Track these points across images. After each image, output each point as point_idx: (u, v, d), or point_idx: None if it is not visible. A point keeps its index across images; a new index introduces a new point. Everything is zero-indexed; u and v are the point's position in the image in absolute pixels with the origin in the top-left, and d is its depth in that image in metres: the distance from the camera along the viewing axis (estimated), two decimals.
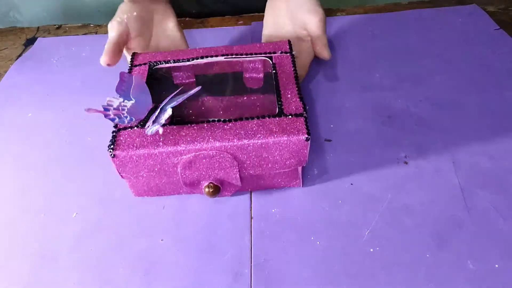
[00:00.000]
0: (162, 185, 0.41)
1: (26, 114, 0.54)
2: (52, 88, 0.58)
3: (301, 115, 0.37)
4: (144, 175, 0.37)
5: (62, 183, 0.45)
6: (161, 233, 0.39)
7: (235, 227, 0.39)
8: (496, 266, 0.34)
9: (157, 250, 0.38)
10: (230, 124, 0.37)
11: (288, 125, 0.36)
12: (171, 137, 0.36)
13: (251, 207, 0.40)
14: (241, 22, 0.69)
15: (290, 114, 0.37)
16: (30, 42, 0.70)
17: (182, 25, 0.70)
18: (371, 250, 0.36)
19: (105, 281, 0.36)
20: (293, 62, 0.43)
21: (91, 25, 0.72)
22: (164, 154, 0.36)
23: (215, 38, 0.65)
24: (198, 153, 0.36)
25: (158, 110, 0.37)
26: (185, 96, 0.38)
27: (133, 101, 0.37)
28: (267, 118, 0.37)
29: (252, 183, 0.41)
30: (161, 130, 0.35)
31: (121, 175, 0.38)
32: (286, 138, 0.35)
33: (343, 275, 0.35)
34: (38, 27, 0.74)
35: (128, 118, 0.36)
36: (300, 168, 0.40)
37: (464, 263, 0.34)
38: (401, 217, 0.38)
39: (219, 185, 0.38)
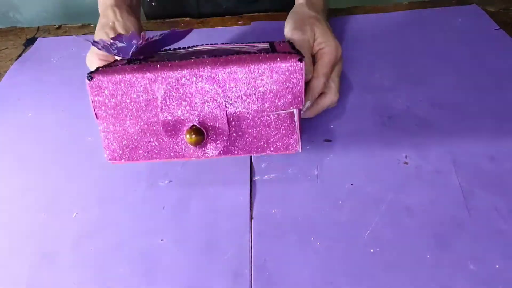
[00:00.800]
0: (139, 137, 0.36)
1: (26, 114, 0.54)
2: (52, 88, 0.58)
3: (295, 53, 0.34)
4: (121, 113, 0.34)
5: (62, 183, 0.45)
6: (161, 233, 0.39)
7: (235, 227, 0.39)
8: (497, 266, 0.34)
9: (157, 250, 0.38)
10: (219, 58, 0.34)
11: (279, 55, 0.34)
12: (154, 66, 0.34)
13: (251, 207, 0.40)
14: (241, 22, 0.69)
15: (284, 52, 0.35)
16: (30, 42, 0.70)
17: (182, 25, 0.70)
18: (372, 250, 0.36)
19: (105, 281, 0.36)
20: (292, 45, 0.42)
21: (91, 25, 0.72)
22: (144, 79, 0.33)
23: (215, 38, 0.65)
24: (180, 75, 0.33)
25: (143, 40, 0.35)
26: (167, 32, 0.36)
27: (124, 44, 0.37)
28: (257, 54, 0.34)
29: (241, 141, 0.36)
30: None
31: (96, 113, 0.35)
32: (278, 64, 0.32)
33: (343, 275, 0.34)
34: (38, 27, 0.74)
35: (116, 51, 0.35)
36: (297, 116, 0.36)
37: (464, 264, 0.34)
38: (402, 218, 0.38)
39: (203, 130, 0.35)
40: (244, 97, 0.34)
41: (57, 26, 0.74)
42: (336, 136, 0.46)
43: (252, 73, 0.33)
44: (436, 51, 0.57)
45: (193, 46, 0.45)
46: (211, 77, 0.33)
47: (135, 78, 0.33)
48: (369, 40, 0.61)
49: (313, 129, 0.47)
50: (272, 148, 0.37)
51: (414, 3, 0.69)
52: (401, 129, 0.46)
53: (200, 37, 0.65)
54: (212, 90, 0.33)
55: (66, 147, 0.49)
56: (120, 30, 0.47)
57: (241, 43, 0.44)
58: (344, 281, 0.34)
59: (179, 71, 0.33)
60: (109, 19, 0.48)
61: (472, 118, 0.47)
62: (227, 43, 0.45)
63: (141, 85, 0.33)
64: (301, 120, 0.41)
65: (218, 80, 0.33)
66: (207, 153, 0.36)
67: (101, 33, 0.47)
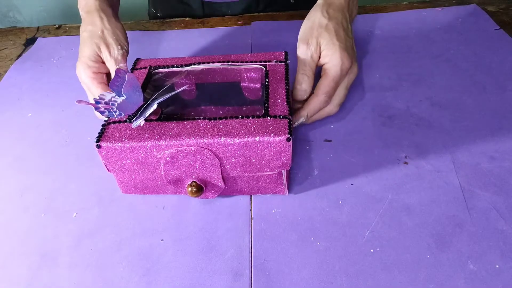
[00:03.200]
0: (147, 181, 0.41)
1: (26, 114, 0.54)
2: (52, 88, 0.58)
3: (285, 117, 0.37)
4: (129, 169, 0.38)
5: (62, 183, 0.45)
6: (161, 233, 0.39)
7: (235, 227, 0.39)
8: (497, 266, 0.34)
9: (157, 250, 0.38)
10: (213, 122, 0.37)
11: (271, 125, 0.36)
12: (154, 132, 0.37)
13: (251, 208, 0.40)
14: (241, 22, 0.69)
15: (275, 116, 0.37)
16: (30, 42, 0.70)
17: (183, 25, 0.70)
18: (372, 250, 0.36)
19: (105, 281, 0.36)
20: (286, 70, 0.43)
21: None
22: (146, 147, 0.36)
23: (215, 38, 0.65)
24: (180, 148, 0.36)
25: (145, 105, 0.38)
26: (172, 93, 0.39)
27: (124, 97, 0.38)
28: (251, 119, 0.37)
29: (236, 187, 0.40)
30: (142, 123, 0.37)
31: (107, 168, 0.38)
32: (268, 138, 0.35)
33: (343, 275, 0.34)
34: (38, 27, 0.74)
35: (118, 113, 0.37)
36: (285, 173, 0.39)
37: (464, 264, 0.34)
38: (402, 218, 0.38)
39: (202, 185, 0.38)
40: (238, 164, 0.37)
41: (57, 26, 0.74)
42: (336, 136, 0.46)
43: (244, 146, 0.36)
44: (436, 51, 0.57)
45: (185, 65, 0.46)
46: (207, 148, 0.36)
47: (137, 146, 0.36)
48: (369, 40, 0.61)
49: (313, 129, 0.47)
50: (262, 191, 0.41)
51: (414, 3, 0.69)
52: (401, 129, 0.46)
53: (200, 37, 0.65)
54: (208, 158, 0.36)
55: (66, 147, 0.49)
56: (110, 39, 0.46)
57: (237, 62, 0.45)
58: (344, 281, 0.34)
59: (178, 141, 0.36)
60: (97, 27, 0.47)
61: (472, 118, 0.47)
62: (221, 59, 0.46)
63: (144, 152, 0.37)
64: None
65: (214, 150, 0.36)
66: (206, 197, 0.40)
67: (90, 43, 0.46)
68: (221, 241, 0.38)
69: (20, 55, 0.67)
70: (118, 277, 0.36)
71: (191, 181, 0.38)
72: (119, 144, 0.36)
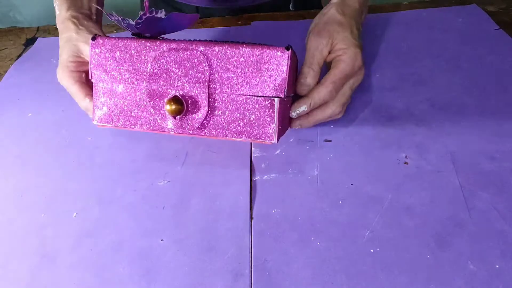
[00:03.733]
0: (127, 102, 0.39)
1: (26, 114, 0.54)
2: (52, 88, 0.58)
3: (286, 48, 0.36)
4: (113, 77, 0.38)
5: (62, 183, 0.45)
6: (161, 233, 0.39)
7: (235, 227, 0.39)
8: (497, 266, 0.34)
9: (157, 250, 0.38)
10: (215, 42, 0.37)
11: (270, 46, 0.36)
12: (152, 40, 0.37)
13: (251, 208, 0.40)
14: (241, 22, 0.69)
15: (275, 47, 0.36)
16: (30, 42, 0.70)
17: None
18: (372, 250, 0.36)
19: (105, 281, 0.36)
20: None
21: None
22: (139, 44, 0.37)
23: (215, 38, 0.65)
24: (172, 45, 0.36)
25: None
26: (178, 14, 0.38)
27: (133, 23, 0.37)
28: (251, 44, 0.36)
29: (219, 121, 0.38)
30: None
31: (91, 74, 0.39)
32: (267, 50, 0.35)
33: (343, 275, 0.34)
34: (38, 27, 0.74)
35: (126, 25, 0.37)
36: (277, 111, 0.36)
37: (464, 264, 0.34)
38: (402, 218, 0.38)
39: (183, 101, 0.36)
40: (230, 80, 0.36)
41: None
42: (336, 136, 0.46)
43: (243, 55, 0.35)
44: (436, 51, 0.57)
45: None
46: (203, 53, 0.35)
47: (132, 42, 0.37)
48: (369, 40, 0.61)
49: (313, 129, 0.47)
50: (248, 134, 0.38)
51: (414, 3, 0.69)
52: (401, 129, 0.46)
53: (200, 37, 0.65)
54: (200, 65, 0.35)
55: (66, 147, 0.49)
56: (86, 35, 0.44)
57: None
58: (344, 281, 0.34)
59: (173, 44, 0.36)
60: (72, 30, 0.45)
61: (472, 118, 0.47)
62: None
63: (135, 50, 0.37)
64: (287, 116, 0.42)
65: (209, 57, 0.35)
66: (184, 127, 0.38)
67: (68, 46, 0.45)
68: (221, 241, 0.38)
69: (20, 55, 0.67)
70: (118, 277, 0.36)
71: (173, 95, 0.36)
72: (112, 40, 0.37)
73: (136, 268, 0.37)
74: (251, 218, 0.40)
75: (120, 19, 0.37)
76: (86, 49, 0.43)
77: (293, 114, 0.42)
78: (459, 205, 0.38)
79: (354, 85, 0.44)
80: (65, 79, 0.44)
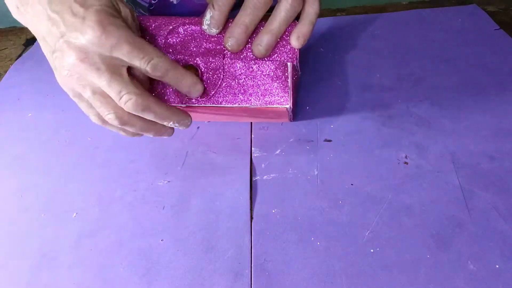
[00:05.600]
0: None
1: (26, 114, 0.54)
2: (52, 88, 0.58)
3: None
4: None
5: (62, 183, 0.45)
6: (161, 233, 0.39)
7: (235, 227, 0.39)
8: (497, 266, 0.34)
9: (157, 250, 0.38)
10: None
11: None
12: (166, 17, 0.38)
13: (251, 208, 0.40)
14: None
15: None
16: (30, 42, 0.70)
17: None
18: (372, 250, 0.36)
19: (105, 281, 0.36)
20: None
21: None
22: (157, 21, 0.37)
23: None
24: (185, 20, 0.37)
25: None
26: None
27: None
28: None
29: (234, 87, 0.38)
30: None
31: None
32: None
33: (343, 275, 0.34)
34: None
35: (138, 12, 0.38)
36: (289, 72, 0.37)
37: (464, 264, 0.34)
38: (402, 218, 0.38)
39: (198, 69, 0.37)
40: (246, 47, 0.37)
41: None
42: (336, 136, 0.46)
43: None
44: (436, 51, 0.57)
45: None
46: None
47: (149, 18, 0.37)
48: (369, 40, 0.61)
49: (313, 129, 0.47)
50: (263, 100, 0.38)
51: (414, 3, 0.69)
52: (401, 129, 0.46)
53: None
54: (214, 36, 0.36)
55: (66, 147, 0.49)
56: None
57: None
58: (344, 281, 0.34)
59: (187, 19, 0.37)
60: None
61: (472, 118, 0.47)
62: None
63: (154, 25, 0.37)
64: (297, 96, 0.42)
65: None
66: (200, 96, 0.38)
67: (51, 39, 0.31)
68: (221, 241, 0.38)
69: (20, 55, 0.67)
70: (118, 277, 0.36)
71: (187, 63, 0.37)
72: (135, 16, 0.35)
73: (136, 268, 0.37)
74: (251, 218, 0.40)
75: (131, 4, 0.38)
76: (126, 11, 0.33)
77: (204, 26, 0.36)
78: (459, 205, 0.38)
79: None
80: (124, 29, 0.30)
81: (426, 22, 0.63)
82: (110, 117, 0.33)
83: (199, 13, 0.42)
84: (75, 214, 0.42)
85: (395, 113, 0.48)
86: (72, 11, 0.29)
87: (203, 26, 0.36)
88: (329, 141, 0.46)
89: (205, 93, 0.38)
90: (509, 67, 0.53)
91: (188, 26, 0.37)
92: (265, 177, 0.43)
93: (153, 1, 0.37)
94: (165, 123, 0.35)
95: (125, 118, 0.33)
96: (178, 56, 0.38)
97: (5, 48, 0.69)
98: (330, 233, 0.37)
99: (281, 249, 0.37)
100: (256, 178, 0.43)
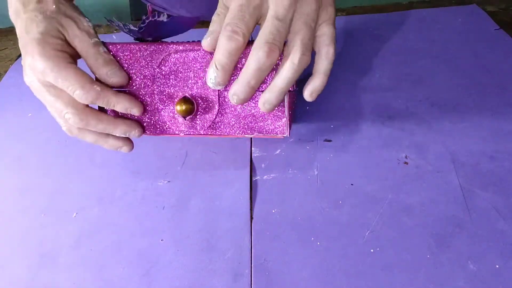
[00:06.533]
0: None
1: (26, 114, 0.54)
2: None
3: None
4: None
5: (62, 183, 0.45)
6: (161, 233, 0.39)
7: (235, 227, 0.39)
8: (497, 266, 0.34)
9: (157, 250, 0.38)
10: None
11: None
12: (157, 43, 0.37)
13: (251, 208, 0.40)
14: None
15: None
16: None
17: None
18: (372, 250, 0.36)
19: (105, 281, 0.36)
20: None
21: None
22: (145, 49, 0.36)
23: None
24: (177, 46, 0.36)
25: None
26: (179, 17, 0.38)
27: (135, 28, 0.37)
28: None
29: (230, 116, 0.37)
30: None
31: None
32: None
33: (343, 275, 0.34)
34: None
35: (127, 31, 0.37)
36: (286, 105, 0.36)
37: (464, 264, 0.34)
38: (402, 218, 0.38)
39: (193, 101, 0.36)
40: (237, 75, 0.35)
41: None
42: (336, 136, 0.46)
43: (248, 53, 0.33)
44: (436, 51, 0.57)
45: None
46: (210, 53, 0.35)
47: (137, 46, 0.36)
48: (369, 40, 0.61)
49: (313, 129, 0.47)
50: (260, 129, 0.38)
51: (414, 3, 0.69)
52: (401, 129, 0.46)
53: (199, 37, 0.65)
54: (208, 65, 0.35)
55: (66, 147, 0.49)
56: (70, 12, 0.35)
57: None
58: (344, 281, 0.34)
59: (180, 45, 0.36)
60: (49, 4, 0.34)
61: (472, 118, 0.47)
62: None
63: (144, 53, 0.36)
64: (295, 109, 0.41)
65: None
66: (195, 128, 0.38)
67: (48, 20, 0.33)
68: (221, 241, 0.38)
69: (20, 55, 0.67)
70: (118, 277, 0.36)
71: (183, 96, 0.36)
72: (118, 46, 0.36)
73: (136, 268, 0.37)
74: (251, 218, 0.40)
75: (121, 25, 0.37)
76: (74, 26, 0.34)
77: (209, 84, 0.34)
78: (459, 205, 0.38)
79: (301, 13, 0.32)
80: (51, 59, 0.32)
81: (426, 22, 0.63)
82: (64, 129, 0.38)
83: (191, 26, 0.41)
84: (75, 214, 0.42)
85: (395, 113, 0.48)
86: (21, 35, 0.34)
87: (208, 83, 0.35)
88: (329, 141, 0.46)
89: (200, 124, 0.38)
90: (509, 67, 0.53)
91: (180, 53, 0.36)
92: (265, 177, 0.43)
93: (142, 25, 0.36)
94: (116, 134, 0.37)
95: (74, 131, 0.37)
96: (173, 89, 0.37)
97: (5, 48, 0.69)
98: (330, 233, 0.37)
99: (281, 249, 0.37)
100: (256, 178, 0.43)
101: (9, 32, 0.74)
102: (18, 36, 0.34)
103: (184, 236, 0.39)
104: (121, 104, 0.36)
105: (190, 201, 0.41)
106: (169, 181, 0.44)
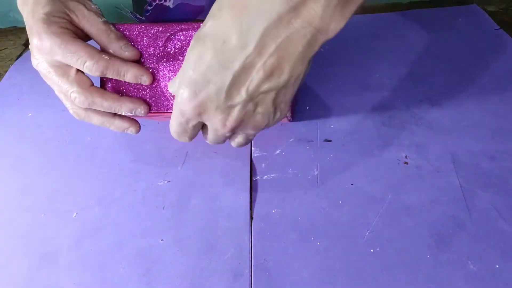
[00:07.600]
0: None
1: (26, 114, 0.54)
2: (52, 88, 0.58)
3: None
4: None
5: (62, 183, 0.45)
6: (161, 233, 0.39)
7: (235, 227, 0.39)
8: (497, 266, 0.34)
9: (157, 250, 0.38)
10: None
11: None
12: (163, 24, 0.37)
13: (251, 208, 0.40)
14: None
15: None
16: None
17: None
18: (372, 250, 0.36)
19: (105, 281, 0.36)
20: None
21: None
22: (155, 28, 0.36)
23: None
24: (182, 26, 0.36)
25: None
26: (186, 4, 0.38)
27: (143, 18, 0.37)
28: None
29: None
30: None
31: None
32: None
33: (343, 275, 0.34)
34: None
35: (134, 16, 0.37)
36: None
37: (464, 264, 0.34)
38: (402, 218, 0.38)
39: None
40: None
41: None
42: (336, 136, 0.46)
43: None
44: (436, 51, 0.57)
45: None
46: None
47: (146, 26, 0.36)
48: (369, 40, 0.61)
49: (313, 129, 0.47)
50: None
51: (414, 3, 0.69)
52: (401, 129, 0.46)
53: None
54: None
55: (66, 147, 0.49)
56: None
57: None
58: (344, 281, 0.34)
59: (184, 25, 0.36)
60: None
61: (472, 118, 0.47)
62: None
63: (151, 33, 0.36)
64: (298, 92, 0.41)
65: None
66: None
67: (52, 1, 0.34)
68: (221, 241, 0.38)
69: (20, 55, 0.67)
70: (118, 277, 0.36)
71: None
72: (126, 26, 0.36)
73: (136, 268, 0.37)
74: (251, 218, 0.40)
75: (129, 12, 0.37)
76: (81, 6, 0.34)
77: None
78: (459, 205, 0.38)
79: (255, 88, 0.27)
80: (57, 35, 0.32)
81: (426, 22, 0.63)
82: (71, 112, 0.37)
83: (196, 15, 0.42)
84: (75, 214, 0.42)
85: (395, 113, 0.48)
86: (27, 20, 0.34)
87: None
88: (329, 141, 0.46)
89: None
90: (509, 67, 0.53)
91: (186, 32, 0.37)
92: (265, 177, 0.43)
93: (149, 7, 0.36)
94: (122, 113, 0.36)
95: (81, 114, 0.37)
96: (178, 67, 0.37)
97: (5, 48, 0.69)
98: (330, 233, 0.37)
99: (281, 249, 0.37)
100: (256, 178, 0.43)
101: (9, 32, 0.74)
102: (25, 21, 0.35)
103: (184, 236, 0.39)
104: (131, 72, 0.35)
105: (190, 201, 0.41)
106: (169, 181, 0.43)
